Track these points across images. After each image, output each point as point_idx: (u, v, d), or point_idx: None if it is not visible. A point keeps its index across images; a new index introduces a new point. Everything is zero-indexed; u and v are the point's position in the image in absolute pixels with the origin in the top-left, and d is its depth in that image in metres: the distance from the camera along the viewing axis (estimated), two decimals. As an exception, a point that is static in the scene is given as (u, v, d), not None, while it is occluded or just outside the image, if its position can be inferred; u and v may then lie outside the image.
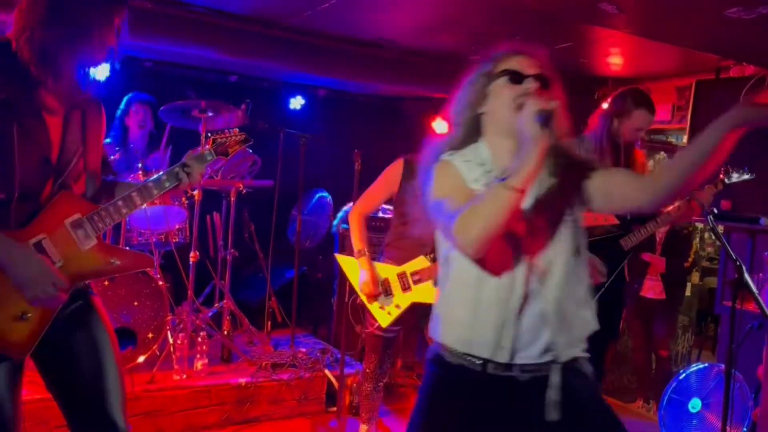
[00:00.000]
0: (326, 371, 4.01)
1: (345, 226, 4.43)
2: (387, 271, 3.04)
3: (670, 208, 3.03)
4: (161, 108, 3.88)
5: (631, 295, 4.33)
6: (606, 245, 3.05)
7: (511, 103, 1.59)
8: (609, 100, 3.18)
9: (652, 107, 3.10)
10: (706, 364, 3.50)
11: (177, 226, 4.16)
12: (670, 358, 4.57)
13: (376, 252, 3.22)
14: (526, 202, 1.59)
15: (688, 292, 4.94)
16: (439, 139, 1.75)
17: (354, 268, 3.07)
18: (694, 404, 3.43)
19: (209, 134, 2.15)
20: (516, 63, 1.64)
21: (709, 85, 4.72)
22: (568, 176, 1.66)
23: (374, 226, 4.36)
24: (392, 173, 3.08)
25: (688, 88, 4.94)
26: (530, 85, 1.60)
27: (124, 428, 1.86)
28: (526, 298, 1.59)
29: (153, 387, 3.51)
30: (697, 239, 5.20)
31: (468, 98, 1.68)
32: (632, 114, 3.03)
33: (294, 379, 3.88)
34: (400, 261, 3.05)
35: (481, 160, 1.67)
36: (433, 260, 2.97)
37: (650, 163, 5.27)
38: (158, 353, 3.72)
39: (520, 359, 1.61)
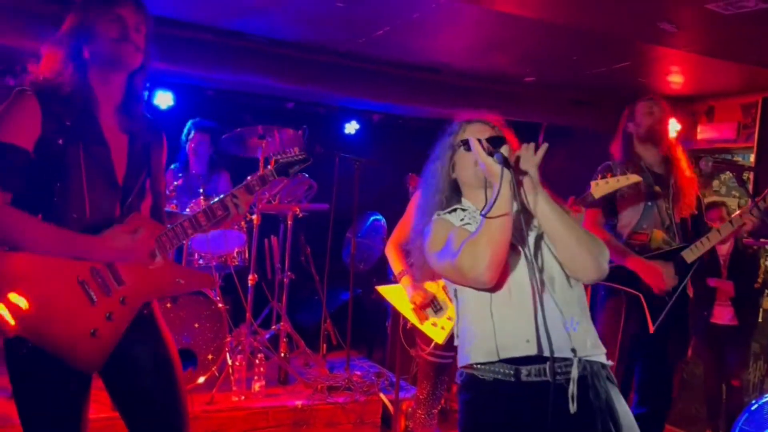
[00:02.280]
0: (381, 395, 4.00)
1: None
2: (431, 287, 3.03)
3: (734, 215, 2.94)
4: (222, 136, 4.01)
5: (701, 322, 4.17)
6: (667, 260, 2.96)
7: (473, 164, 1.79)
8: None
9: (649, 96, 3.21)
10: (781, 395, 3.31)
11: (236, 250, 4.26)
12: (742, 388, 4.35)
13: None
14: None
15: (759, 318, 4.71)
16: (421, 205, 1.95)
17: (397, 294, 3.08)
18: (768, 437, 3.24)
19: (271, 155, 2.20)
20: (470, 131, 1.85)
21: (777, 101, 4.55)
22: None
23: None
24: None
25: (754, 105, 4.77)
26: (484, 145, 1.73)
27: None
28: (537, 293, 1.66)
29: (212, 408, 3.58)
30: (765, 259, 4.97)
31: (440, 169, 1.90)
32: (635, 109, 3.15)
33: (349, 403, 3.88)
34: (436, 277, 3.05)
35: (464, 207, 1.87)
36: None
37: (715, 183, 5.10)
38: (217, 374, 3.80)
39: (547, 352, 1.63)
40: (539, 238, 1.78)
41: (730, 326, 4.19)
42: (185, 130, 4.64)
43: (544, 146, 1.68)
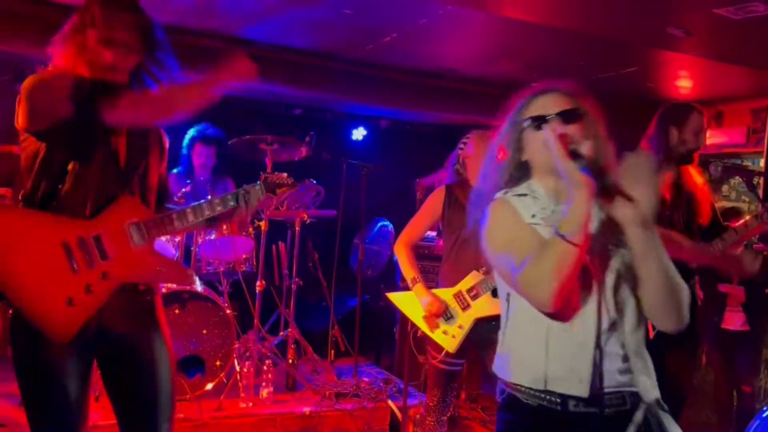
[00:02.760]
0: (389, 402, 3.98)
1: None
2: (443, 294, 3.02)
3: (738, 223, 2.90)
4: (230, 141, 4.02)
5: (711, 327, 4.13)
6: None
7: (543, 148, 1.54)
8: (655, 119, 3.06)
9: (700, 109, 3.03)
10: (794, 402, 3.28)
11: (244, 256, 4.27)
12: (753, 394, 4.31)
13: (432, 282, 3.21)
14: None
15: (770, 324, 4.66)
16: (489, 177, 1.72)
17: (408, 302, 3.07)
18: (781, 444, 3.20)
19: (262, 173, 2.27)
20: (540, 105, 1.61)
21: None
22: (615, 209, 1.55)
23: (435, 254, 4.36)
24: (435, 201, 3.10)
25: (764, 109, 4.75)
26: (555, 125, 1.55)
27: None
28: (600, 327, 1.52)
29: (220, 414, 3.58)
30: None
31: (507, 148, 1.67)
32: (687, 120, 2.94)
33: (357, 409, 3.87)
34: (456, 283, 3.04)
35: (535, 194, 1.63)
36: (486, 272, 2.94)
37: (725, 188, 5.07)
38: (225, 381, 3.80)
39: (602, 389, 1.52)
40: (622, 267, 1.56)
41: (741, 332, 4.15)
42: (187, 140, 4.62)
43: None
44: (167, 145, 2.16)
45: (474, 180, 3.03)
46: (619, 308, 1.55)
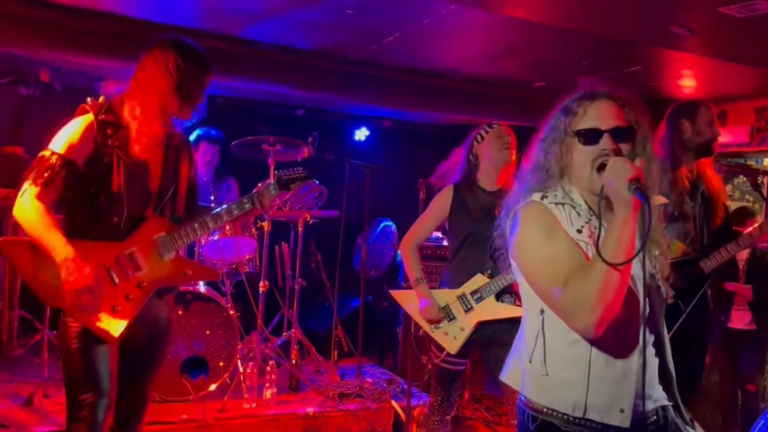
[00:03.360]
0: (393, 402, 3.98)
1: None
2: (446, 296, 3.01)
3: (751, 228, 2.89)
4: (233, 143, 4.03)
5: (718, 326, 4.12)
6: (684, 268, 2.91)
7: (591, 164, 1.48)
8: (664, 119, 3.01)
9: (708, 104, 3.00)
10: (799, 402, 3.27)
11: (247, 257, 4.27)
12: (757, 394, 4.29)
13: (435, 282, 3.20)
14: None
15: (775, 323, 4.65)
16: (518, 185, 1.64)
17: (411, 300, 3.06)
18: (785, 444, 3.19)
19: (276, 171, 2.48)
20: (591, 115, 1.51)
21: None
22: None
23: (438, 255, 4.36)
24: (442, 201, 3.08)
25: (768, 108, 4.73)
26: (607, 144, 1.47)
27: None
28: (645, 355, 1.45)
29: (224, 415, 3.57)
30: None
31: (547, 155, 1.56)
32: (697, 114, 2.91)
33: (361, 410, 3.86)
34: (459, 284, 3.02)
35: (575, 202, 1.54)
36: (491, 275, 2.93)
37: (728, 187, 5.05)
38: (229, 382, 3.79)
39: (641, 415, 1.47)
40: (656, 288, 1.53)
41: (747, 330, 4.14)
42: (192, 140, 4.65)
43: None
44: (194, 152, 2.44)
45: (484, 177, 3.02)
46: (658, 332, 1.52)
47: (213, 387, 3.75)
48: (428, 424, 3.19)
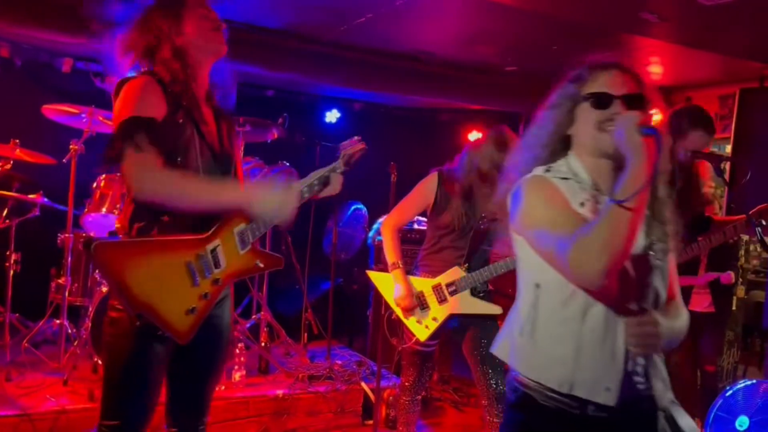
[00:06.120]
0: (363, 384, 4.00)
1: (380, 238, 4.42)
2: (422, 284, 3.01)
3: (727, 226, 2.92)
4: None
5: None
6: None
7: (599, 126, 1.48)
8: (668, 116, 3.03)
9: (711, 127, 2.93)
10: (754, 381, 3.38)
11: (216, 239, 4.21)
12: (716, 374, 4.43)
13: (410, 265, 3.19)
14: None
15: (734, 306, 4.79)
16: (520, 153, 1.63)
17: (387, 284, 3.05)
18: (741, 422, 3.31)
19: (341, 150, 2.44)
20: (603, 82, 1.51)
21: (754, 93, 4.61)
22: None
23: (410, 238, 4.36)
24: (427, 186, 3.07)
25: (732, 96, 4.83)
26: (618, 109, 1.47)
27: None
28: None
29: (192, 397, 3.54)
30: (743, 251, 5.05)
31: (553, 121, 1.56)
32: (688, 135, 2.87)
33: (330, 392, 3.88)
34: (435, 273, 3.03)
35: (578, 177, 1.54)
36: (468, 270, 2.94)
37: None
38: (197, 364, 3.76)
39: (625, 397, 1.49)
40: (657, 269, 1.53)
41: (706, 313, 4.25)
42: None
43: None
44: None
45: (466, 175, 2.99)
46: (657, 297, 1.53)
47: (181, 370, 3.72)
48: (398, 404, 3.22)
